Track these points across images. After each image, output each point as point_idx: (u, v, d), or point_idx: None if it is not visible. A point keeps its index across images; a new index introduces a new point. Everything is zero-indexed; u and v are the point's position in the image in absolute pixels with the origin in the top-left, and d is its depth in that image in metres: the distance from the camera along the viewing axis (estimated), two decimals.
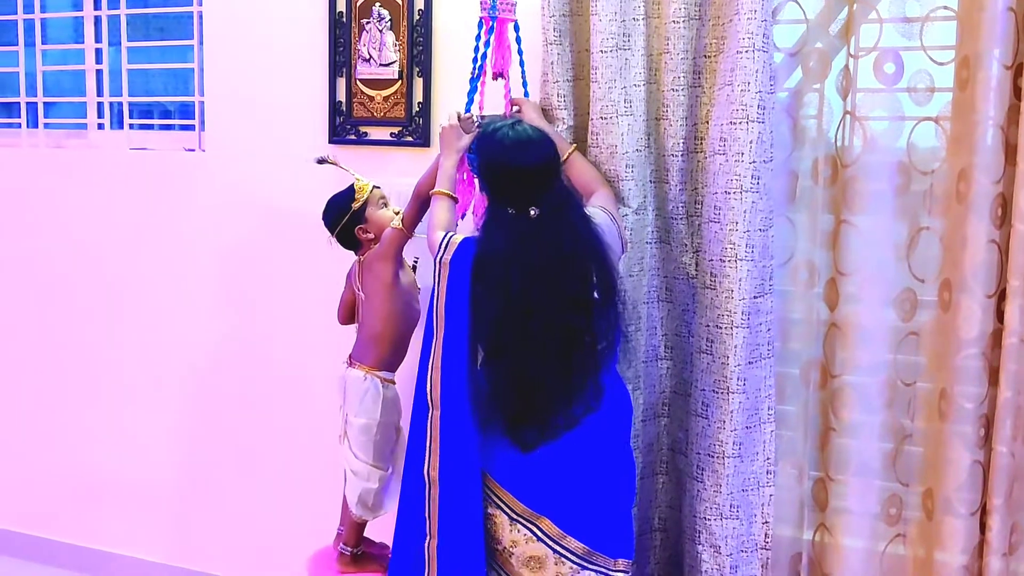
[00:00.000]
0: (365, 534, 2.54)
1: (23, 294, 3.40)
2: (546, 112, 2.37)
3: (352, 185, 2.41)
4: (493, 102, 2.37)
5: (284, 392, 3.05)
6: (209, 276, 3.11)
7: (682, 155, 2.34)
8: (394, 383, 2.45)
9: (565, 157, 2.25)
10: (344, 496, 2.48)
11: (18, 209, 3.38)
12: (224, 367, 3.13)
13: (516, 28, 2.35)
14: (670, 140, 2.34)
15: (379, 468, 2.42)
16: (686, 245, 2.38)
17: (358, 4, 2.77)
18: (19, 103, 3.45)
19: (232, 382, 3.13)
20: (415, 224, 2.34)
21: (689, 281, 2.37)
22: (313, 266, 2.77)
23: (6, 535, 3.54)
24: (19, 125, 3.47)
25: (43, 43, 3.37)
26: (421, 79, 2.73)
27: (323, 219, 2.42)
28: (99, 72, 3.32)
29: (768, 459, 2.31)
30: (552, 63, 2.34)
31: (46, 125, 3.43)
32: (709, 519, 2.28)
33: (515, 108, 2.37)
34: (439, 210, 2.14)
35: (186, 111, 3.29)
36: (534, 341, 1.97)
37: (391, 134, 2.79)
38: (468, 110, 2.32)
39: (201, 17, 3.06)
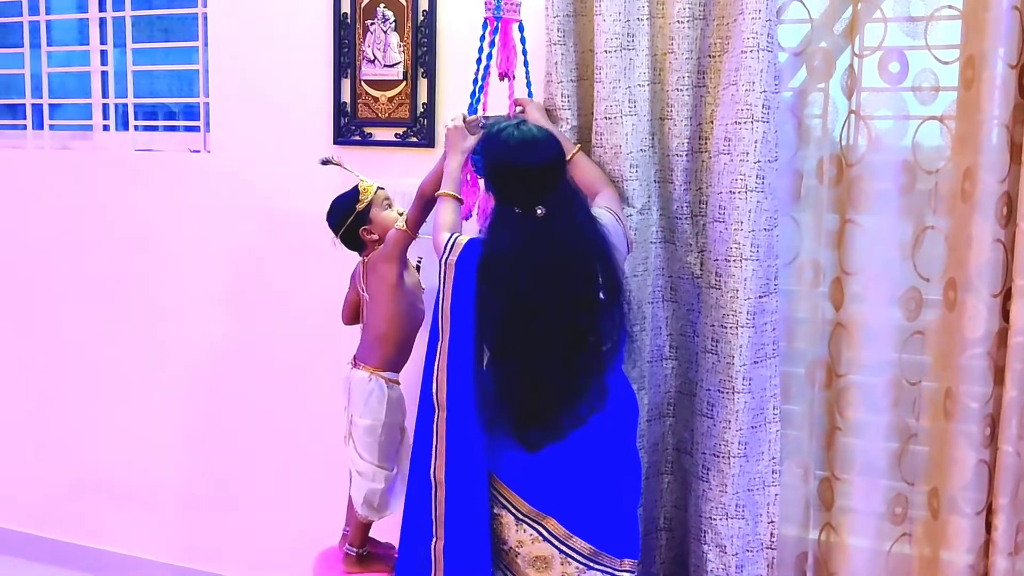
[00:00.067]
0: (371, 534, 2.54)
1: (28, 294, 3.41)
2: (550, 112, 2.37)
3: (356, 186, 2.42)
4: (497, 103, 2.38)
5: (289, 392, 3.06)
6: (214, 276, 3.12)
7: (686, 155, 2.34)
8: (399, 383, 2.45)
9: (569, 157, 2.25)
10: (349, 497, 2.48)
11: (24, 210, 3.38)
12: (229, 367, 3.14)
13: (520, 28, 2.36)
14: (674, 140, 2.34)
15: (384, 468, 2.42)
16: (691, 245, 2.38)
17: (362, 5, 2.77)
18: (24, 104, 3.45)
19: (237, 382, 3.14)
20: (419, 225, 2.35)
21: (694, 281, 2.37)
22: (318, 267, 2.77)
23: (10, 534, 3.55)
24: (25, 126, 3.47)
25: (48, 45, 3.38)
26: (426, 80, 2.73)
27: (327, 220, 2.43)
28: (104, 74, 3.32)
29: (773, 459, 2.31)
30: (556, 63, 2.34)
31: (51, 126, 3.43)
32: (715, 519, 2.28)
33: (519, 108, 2.37)
34: (444, 211, 2.14)
35: (190, 112, 3.30)
36: (539, 341, 1.98)
37: (396, 135, 2.80)
38: (473, 111, 2.32)
39: (206, 19, 3.06)
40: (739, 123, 2.18)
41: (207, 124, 3.13)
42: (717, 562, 2.30)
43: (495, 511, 2.05)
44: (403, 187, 2.47)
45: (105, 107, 3.35)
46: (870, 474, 2.39)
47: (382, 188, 2.43)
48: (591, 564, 2.04)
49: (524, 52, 2.38)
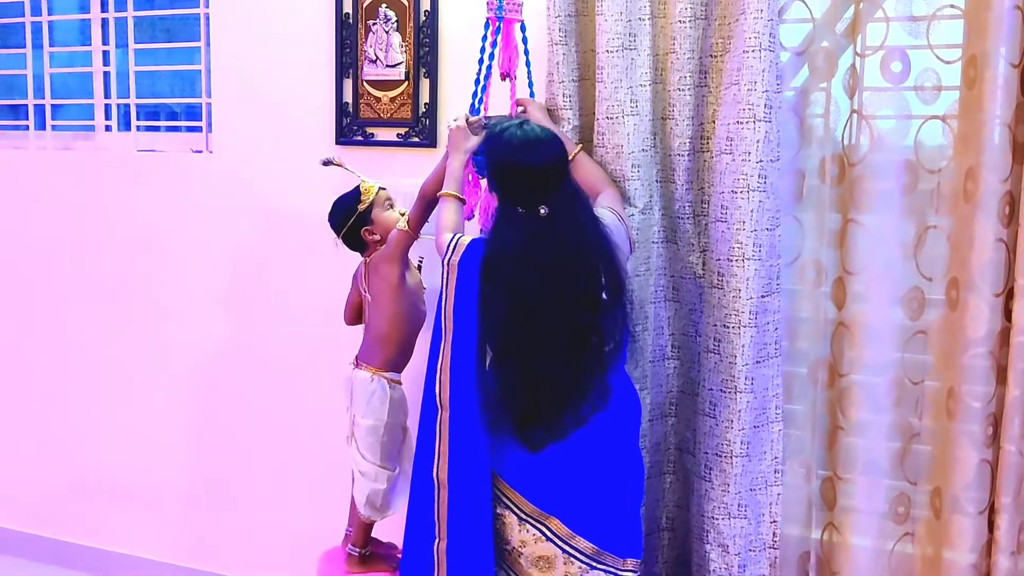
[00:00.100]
0: (373, 534, 2.54)
1: (30, 294, 3.42)
2: (551, 112, 2.37)
3: (357, 187, 2.42)
4: (499, 103, 2.38)
5: (290, 392, 3.06)
6: (216, 276, 3.12)
7: (688, 155, 2.34)
8: (401, 384, 2.46)
9: (571, 157, 2.25)
10: (352, 497, 2.48)
11: (26, 211, 3.39)
12: (231, 367, 3.14)
13: (522, 28, 2.36)
14: (676, 140, 2.34)
15: (386, 469, 2.43)
16: (693, 244, 2.38)
17: (364, 5, 2.77)
18: (27, 105, 3.46)
19: (238, 382, 3.14)
20: (421, 225, 2.35)
21: (696, 280, 2.37)
22: (319, 267, 2.77)
23: (12, 535, 3.55)
24: (27, 127, 3.47)
25: (51, 45, 3.38)
26: (427, 80, 2.74)
27: (329, 221, 2.43)
28: (106, 74, 3.33)
29: (776, 458, 2.31)
30: (558, 63, 2.34)
31: (54, 127, 3.44)
32: (717, 518, 2.28)
33: (520, 108, 2.37)
34: (446, 212, 2.14)
35: (192, 113, 3.30)
36: (542, 340, 1.98)
37: (398, 135, 2.80)
38: (475, 111, 2.32)
39: (208, 19, 3.06)
40: (741, 123, 2.18)
41: (209, 124, 3.14)
42: (720, 562, 2.30)
43: (498, 511, 2.06)
44: (405, 187, 2.47)
45: (107, 107, 3.35)
46: (872, 473, 2.39)
47: (383, 188, 2.43)
48: (594, 564, 2.04)
49: (526, 52, 2.38)
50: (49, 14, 3.36)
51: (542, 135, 2.03)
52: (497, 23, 2.30)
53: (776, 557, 2.34)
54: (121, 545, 3.38)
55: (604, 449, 2.05)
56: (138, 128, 3.30)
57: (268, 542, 3.15)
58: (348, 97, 2.84)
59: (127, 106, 3.29)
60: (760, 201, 2.18)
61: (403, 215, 2.37)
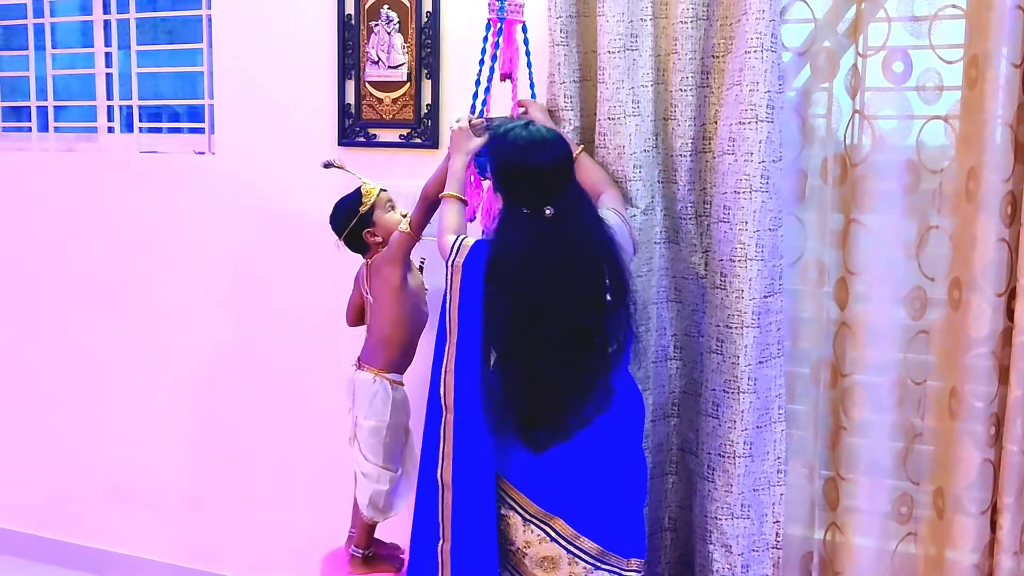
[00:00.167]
0: (376, 535, 2.55)
1: (33, 296, 3.42)
2: (552, 113, 2.37)
3: (359, 188, 2.42)
4: (500, 104, 2.38)
5: (292, 393, 3.06)
6: (218, 278, 3.13)
7: (690, 155, 2.35)
8: (403, 385, 2.46)
9: (573, 158, 2.25)
10: (355, 498, 2.49)
11: (28, 212, 3.39)
12: (233, 368, 3.15)
13: (524, 30, 2.36)
14: (678, 140, 2.34)
15: (389, 470, 2.43)
16: (695, 245, 2.38)
17: (366, 6, 2.78)
18: (29, 107, 3.47)
19: (240, 383, 3.14)
20: (423, 227, 2.35)
21: (699, 281, 2.37)
22: (321, 268, 2.77)
23: (14, 535, 3.55)
24: (29, 129, 3.48)
25: (53, 47, 3.39)
26: (429, 81, 2.74)
27: (330, 223, 2.43)
28: (108, 76, 3.33)
29: (779, 458, 2.31)
30: (559, 64, 2.34)
31: (56, 129, 3.44)
32: (720, 519, 2.28)
33: (522, 109, 2.37)
34: (449, 213, 2.14)
35: (195, 114, 3.30)
36: (546, 340, 1.98)
37: (400, 136, 2.80)
38: (480, 113, 2.32)
39: (210, 21, 3.07)
40: (743, 123, 2.18)
41: (211, 126, 3.14)
42: (723, 562, 2.30)
43: (502, 512, 2.06)
44: (407, 188, 2.47)
45: (110, 109, 3.35)
46: (875, 474, 2.39)
47: (384, 190, 2.43)
48: (598, 564, 2.04)
49: (527, 53, 2.38)
50: (51, 16, 3.37)
51: (547, 136, 2.04)
52: (499, 24, 2.31)
53: (779, 557, 2.34)
54: (124, 546, 3.39)
55: (608, 450, 2.05)
56: (140, 130, 3.30)
57: (271, 543, 3.15)
58: (350, 98, 2.84)
59: (129, 108, 3.30)
60: (762, 201, 2.18)
61: (405, 217, 2.37)
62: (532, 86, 2.42)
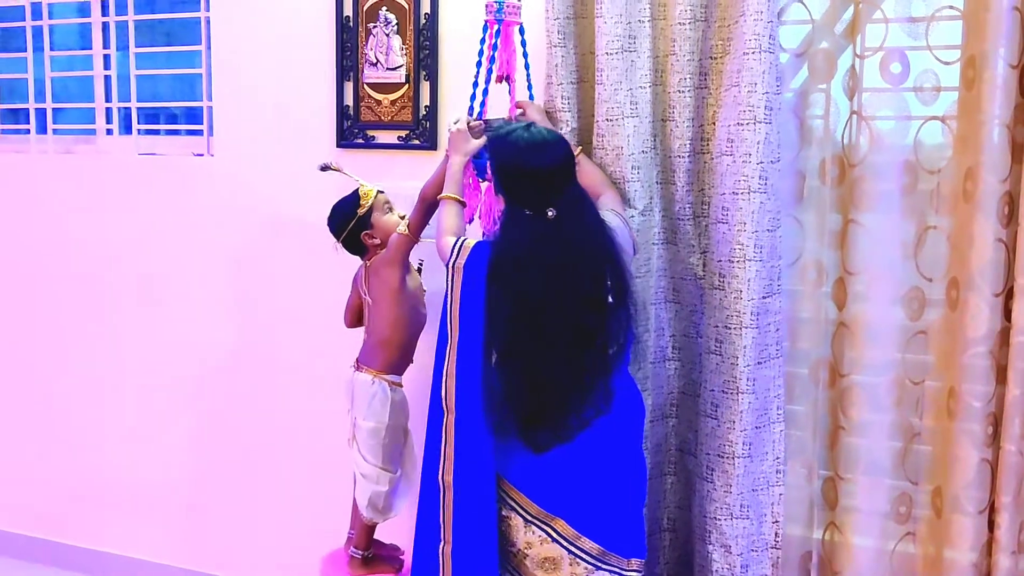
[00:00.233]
0: (376, 536, 2.55)
1: (32, 298, 3.42)
2: (550, 115, 2.37)
3: (356, 190, 2.42)
4: (498, 105, 2.38)
5: (292, 394, 3.06)
6: (217, 279, 3.13)
7: (688, 156, 2.35)
8: (401, 386, 2.46)
9: (574, 159, 2.25)
10: (354, 499, 2.49)
11: (27, 214, 3.39)
12: (232, 370, 3.15)
13: (521, 31, 2.36)
14: (676, 141, 2.35)
15: (388, 471, 2.43)
16: (693, 246, 2.38)
17: (365, 8, 2.78)
18: (28, 109, 3.46)
19: (240, 384, 3.14)
20: (421, 229, 2.35)
21: (697, 282, 2.38)
22: (321, 270, 2.77)
23: (13, 537, 3.55)
24: (28, 131, 3.48)
25: (51, 49, 3.38)
26: (428, 83, 2.74)
27: (328, 225, 2.43)
28: (107, 78, 3.33)
29: (778, 459, 2.31)
30: (556, 65, 2.34)
31: (55, 131, 3.44)
32: (720, 519, 2.29)
33: (519, 111, 2.38)
34: (448, 215, 2.14)
35: (193, 116, 3.30)
36: (548, 341, 1.98)
37: (398, 138, 2.80)
38: (480, 115, 2.32)
39: (208, 23, 3.07)
40: (741, 124, 2.18)
41: (210, 128, 3.14)
42: (722, 562, 2.30)
43: (503, 513, 2.06)
44: (406, 190, 2.47)
45: (108, 111, 3.35)
46: (874, 473, 2.40)
47: (382, 192, 2.44)
48: (599, 564, 2.05)
49: (525, 55, 2.38)
50: (50, 18, 3.37)
51: (549, 137, 2.04)
52: (496, 26, 2.31)
53: (778, 557, 2.35)
54: (123, 548, 3.39)
55: (609, 450, 2.06)
56: (139, 132, 3.30)
57: (270, 545, 3.15)
58: (349, 100, 2.85)
59: (128, 110, 3.30)
60: (761, 202, 2.19)
61: (403, 218, 2.37)
62: (530, 87, 2.42)
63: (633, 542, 2.08)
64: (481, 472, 2.02)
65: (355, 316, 2.57)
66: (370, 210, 2.40)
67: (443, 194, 2.18)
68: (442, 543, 2.05)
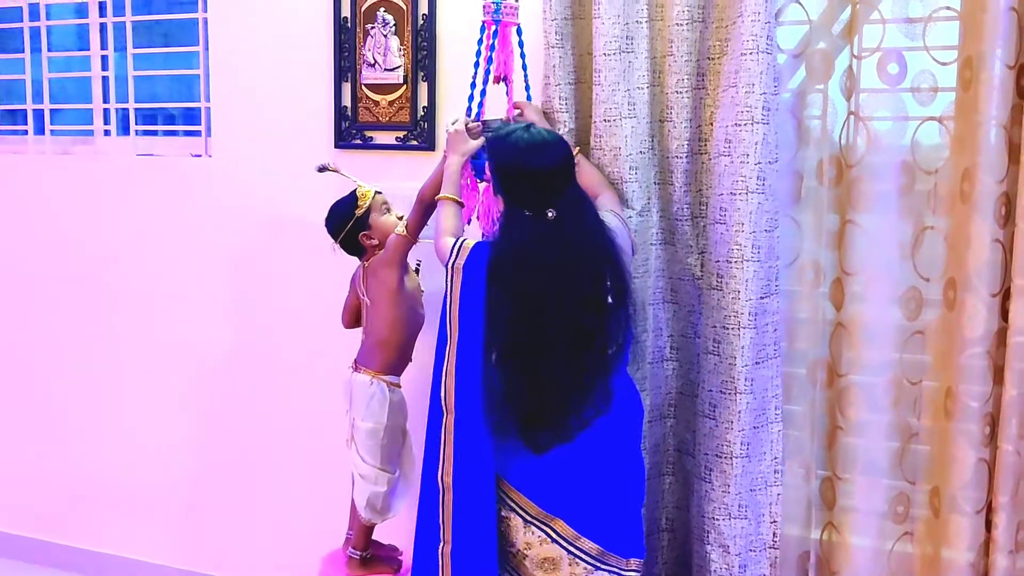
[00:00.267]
0: (374, 537, 2.55)
1: (30, 299, 3.42)
2: (547, 115, 2.37)
3: (354, 191, 2.42)
4: (496, 106, 2.38)
5: (290, 395, 3.06)
6: (216, 280, 3.13)
7: (686, 157, 2.35)
8: (400, 387, 2.46)
9: (574, 160, 2.26)
10: (352, 500, 2.49)
11: (25, 215, 3.39)
12: (230, 371, 3.15)
13: (519, 32, 2.36)
14: (674, 142, 2.35)
15: (386, 471, 2.43)
16: (691, 246, 2.38)
17: (363, 9, 2.78)
18: (26, 110, 3.46)
19: (238, 385, 3.14)
20: (419, 230, 2.35)
21: (695, 282, 2.38)
22: (319, 270, 2.78)
23: (14, 539, 3.55)
24: (26, 132, 3.48)
25: (49, 50, 3.38)
26: (426, 83, 2.74)
27: (326, 226, 2.43)
28: (105, 79, 3.33)
29: (776, 459, 2.32)
30: (554, 66, 2.35)
31: (52, 132, 3.44)
32: (718, 519, 2.29)
33: (517, 112, 2.38)
34: (446, 215, 2.15)
35: (191, 117, 3.30)
36: (548, 342, 1.99)
37: (396, 138, 2.80)
38: (477, 116, 2.32)
39: (206, 23, 3.07)
40: (739, 125, 2.19)
41: (208, 129, 3.14)
42: (720, 562, 2.30)
43: (503, 514, 2.06)
44: (404, 190, 2.48)
45: (106, 112, 3.35)
46: (871, 473, 2.40)
47: (380, 192, 2.44)
48: (599, 565, 2.05)
49: (522, 55, 2.39)
50: (47, 19, 3.37)
51: (548, 138, 2.05)
52: (494, 26, 2.31)
53: (776, 557, 2.35)
54: (121, 549, 3.39)
55: (608, 450, 2.06)
56: (137, 132, 3.30)
57: (269, 545, 3.15)
58: (347, 101, 2.85)
59: (126, 111, 3.30)
60: (758, 203, 2.19)
61: (401, 219, 2.37)
62: (528, 88, 2.42)
63: (632, 542, 2.09)
64: (480, 473, 2.02)
65: (353, 317, 2.57)
66: (368, 211, 2.40)
67: (440, 194, 2.18)
68: (442, 543, 2.05)
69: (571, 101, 2.38)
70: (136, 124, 3.29)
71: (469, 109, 2.34)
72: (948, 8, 2.26)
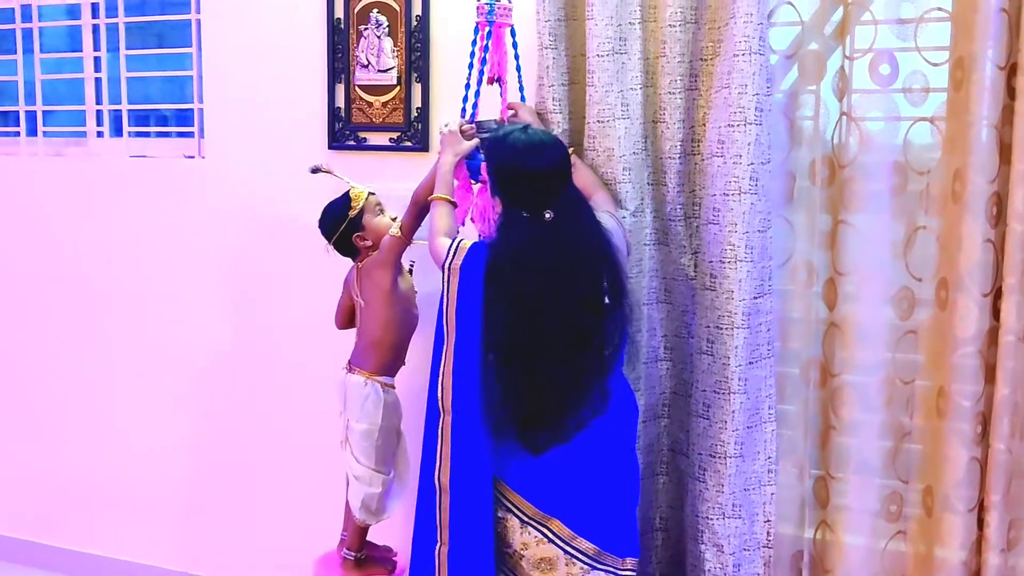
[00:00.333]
0: (369, 538, 2.55)
1: (23, 301, 3.41)
2: (541, 116, 2.38)
3: (347, 192, 2.42)
4: (490, 107, 2.39)
5: (285, 397, 3.06)
6: (209, 282, 3.12)
7: (679, 157, 2.36)
8: (394, 388, 2.46)
9: (571, 161, 2.26)
10: (347, 501, 2.49)
11: (18, 217, 3.39)
12: (225, 372, 3.15)
13: (512, 33, 2.37)
14: (667, 143, 2.35)
15: (381, 473, 2.43)
16: (685, 247, 2.39)
17: (356, 10, 2.78)
18: (18, 112, 3.46)
19: (233, 387, 3.14)
20: (414, 231, 2.36)
21: (688, 282, 2.38)
22: (313, 271, 2.78)
23: (10, 542, 3.54)
24: (18, 133, 3.47)
25: (41, 52, 3.38)
26: (419, 84, 2.74)
27: (319, 227, 2.43)
28: (97, 80, 3.33)
29: (769, 458, 2.32)
30: (547, 67, 2.35)
31: (45, 133, 3.43)
32: (712, 519, 2.30)
33: (511, 112, 2.38)
34: (440, 216, 2.15)
35: (184, 118, 3.30)
36: (546, 342, 1.99)
37: (390, 139, 2.80)
38: (471, 116, 2.33)
39: (199, 25, 3.07)
40: (732, 126, 2.19)
41: (201, 130, 3.14)
42: (714, 561, 2.31)
43: (499, 515, 2.06)
44: (398, 192, 2.48)
45: (99, 113, 3.35)
46: (865, 472, 2.41)
47: (373, 193, 2.44)
48: (595, 564, 2.05)
49: (516, 56, 2.39)
50: (39, 20, 3.36)
51: (546, 139, 2.05)
52: (487, 27, 2.31)
53: (770, 556, 2.36)
54: (117, 551, 3.38)
55: (604, 450, 2.06)
56: (129, 134, 3.30)
57: (264, 547, 3.15)
58: (340, 102, 2.85)
59: (118, 112, 3.30)
60: (751, 203, 2.20)
61: (394, 220, 2.37)
62: (521, 89, 2.42)
63: (628, 542, 2.09)
64: (477, 474, 2.03)
65: (346, 318, 2.57)
66: (361, 212, 2.40)
67: (433, 195, 2.18)
68: (438, 544, 2.06)
69: (565, 102, 2.38)
70: (129, 126, 3.28)
71: (463, 110, 2.34)
72: (939, 9, 2.27)
